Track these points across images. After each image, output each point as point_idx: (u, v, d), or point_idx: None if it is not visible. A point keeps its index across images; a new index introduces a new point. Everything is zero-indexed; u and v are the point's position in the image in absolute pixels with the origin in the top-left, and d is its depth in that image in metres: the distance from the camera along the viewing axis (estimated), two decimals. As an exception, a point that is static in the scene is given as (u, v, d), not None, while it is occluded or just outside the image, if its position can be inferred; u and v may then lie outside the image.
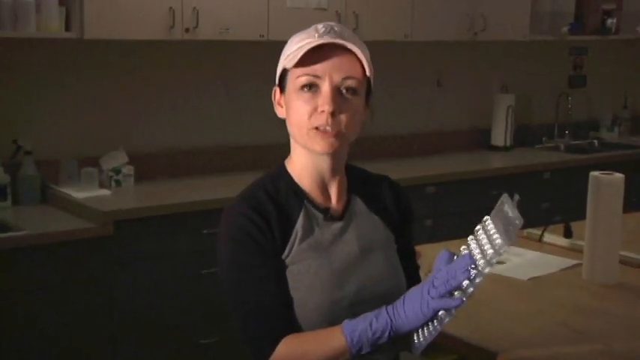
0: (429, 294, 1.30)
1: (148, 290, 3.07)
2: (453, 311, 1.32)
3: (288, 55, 1.44)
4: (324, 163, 1.47)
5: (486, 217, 1.36)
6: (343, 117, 1.41)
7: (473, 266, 1.31)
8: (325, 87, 1.41)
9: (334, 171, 1.49)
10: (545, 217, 3.83)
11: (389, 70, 4.18)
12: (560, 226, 2.72)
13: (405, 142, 4.44)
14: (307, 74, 1.41)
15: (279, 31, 3.47)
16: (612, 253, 2.25)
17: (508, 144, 4.64)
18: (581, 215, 2.36)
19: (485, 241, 1.33)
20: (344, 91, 1.42)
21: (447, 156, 4.44)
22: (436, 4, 4.05)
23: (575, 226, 2.65)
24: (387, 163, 4.02)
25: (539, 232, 2.71)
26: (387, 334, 1.32)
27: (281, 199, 1.46)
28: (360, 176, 1.58)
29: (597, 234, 2.24)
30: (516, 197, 1.31)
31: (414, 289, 1.34)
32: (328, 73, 1.41)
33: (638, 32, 5.06)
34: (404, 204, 1.60)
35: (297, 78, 1.42)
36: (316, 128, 1.41)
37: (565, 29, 4.70)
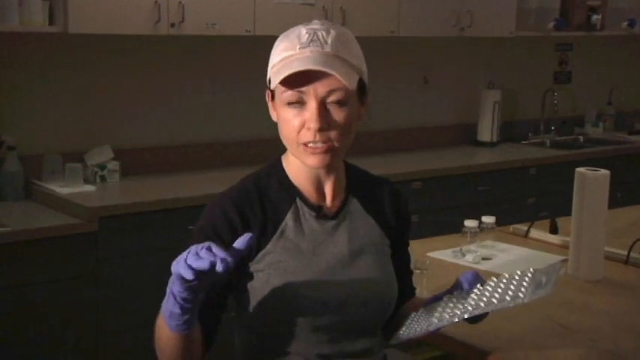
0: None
1: (132, 287, 3.05)
2: (456, 319, 1.33)
3: (273, 67, 1.40)
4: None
5: (532, 269, 1.37)
6: (333, 132, 1.38)
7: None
8: (311, 103, 1.36)
9: (330, 170, 1.47)
10: (531, 212, 3.85)
11: (375, 66, 4.15)
12: (547, 222, 2.73)
13: (392, 138, 4.44)
14: (292, 91, 1.37)
15: (265, 27, 3.46)
16: (597, 248, 2.26)
17: (494, 140, 4.66)
18: (567, 211, 2.37)
19: (512, 287, 1.35)
20: (331, 104, 1.37)
21: (433, 151, 4.45)
22: (423, 1, 4.05)
23: (561, 222, 2.67)
24: (373, 159, 4.02)
25: (526, 228, 2.72)
26: (173, 278, 1.23)
27: (272, 195, 1.45)
28: (360, 177, 1.55)
29: (583, 230, 2.25)
30: (562, 271, 1.35)
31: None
32: (313, 89, 1.36)
33: (623, 29, 5.09)
34: (403, 211, 1.57)
35: (282, 94, 1.38)
36: (305, 144, 1.38)
37: (551, 25, 4.72)
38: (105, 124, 3.51)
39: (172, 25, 3.28)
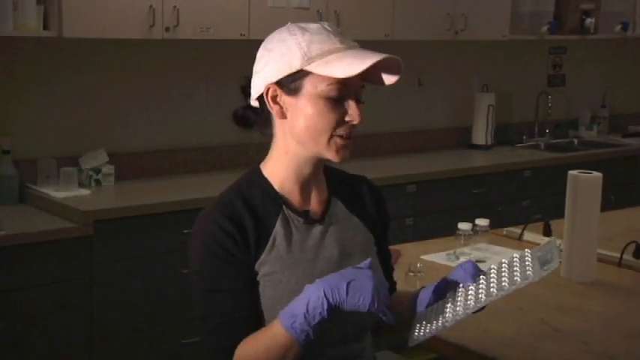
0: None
1: (127, 290, 3.05)
2: (470, 311, 1.33)
3: (312, 58, 1.37)
4: (310, 167, 1.46)
5: (529, 250, 1.40)
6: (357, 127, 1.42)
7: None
8: (352, 97, 1.40)
9: (316, 174, 1.48)
10: (525, 215, 3.85)
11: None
12: (540, 225, 2.74)
13: (386, 141, 4.45)
14: (340, 84, 1.38)
15: (260, 30, 3.46)
16: (590, 251, 2.27)
17: (489, 143, 4.67)
18: (561, 213, 2.38)
19: (517, 269, 1.36)
20: (358, 99, 1.42)
21: (427, 155, 4.46)
22: (417, 4, 4.06)
23: (554, 224, 2.68)
24: (367, 162, 4.02)
25: (519, 231, 2.73)
26: (325, 312, 1.28)
27: (257, 205, 1.43)
28: (340, 177, 1.56)
29: (575, 232, 2.26)
30: (560, 244, 1.41)
31: (361, 271, 1.30)
32: (353, 84, 1.40)
33: (616, 32, 5.11)
34: (382, 208, 1.58)
35: (328, 86, 1.38)
36: (340, 137, 1.40)
37: (544, 29, 4.73)
38: (100, 128, 3.51)
39: (167, 29, 3.28)
